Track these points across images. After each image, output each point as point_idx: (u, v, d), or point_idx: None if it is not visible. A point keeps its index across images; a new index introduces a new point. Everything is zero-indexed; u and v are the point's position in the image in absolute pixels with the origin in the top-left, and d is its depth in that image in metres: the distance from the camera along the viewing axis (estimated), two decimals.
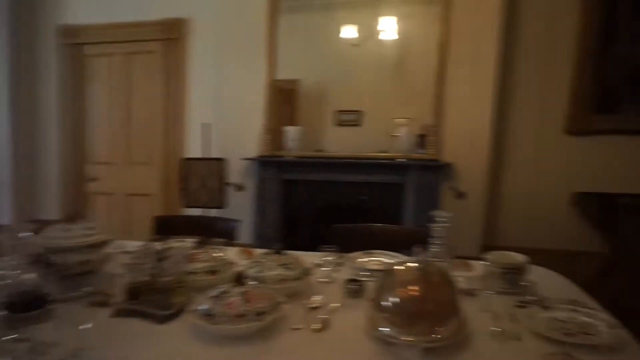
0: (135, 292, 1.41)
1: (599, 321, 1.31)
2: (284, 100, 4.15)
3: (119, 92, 4.57)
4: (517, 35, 3.73)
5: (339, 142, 4.02)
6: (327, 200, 3.95)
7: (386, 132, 3.84)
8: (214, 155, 3.97)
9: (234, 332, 1.22)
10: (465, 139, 3.65)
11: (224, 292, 1.27)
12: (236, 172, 4.08)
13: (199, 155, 3.97)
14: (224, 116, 4.11)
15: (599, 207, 3.26)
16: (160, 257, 1.46)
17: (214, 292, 1.29)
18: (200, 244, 1.71)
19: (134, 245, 1.90)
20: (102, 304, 1.45)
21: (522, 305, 1.46)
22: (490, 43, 3.57)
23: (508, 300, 1.50)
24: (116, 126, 4.61)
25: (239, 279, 1.29)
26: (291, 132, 3.81)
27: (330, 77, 4.04)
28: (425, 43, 3.70)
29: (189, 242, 1.92)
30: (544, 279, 1.72)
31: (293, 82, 4.12)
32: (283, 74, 4.05)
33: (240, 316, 1.22)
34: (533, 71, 3.73)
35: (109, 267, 1.81)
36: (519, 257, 1.65)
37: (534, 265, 1.81)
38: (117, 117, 4.60)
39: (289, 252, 1.67)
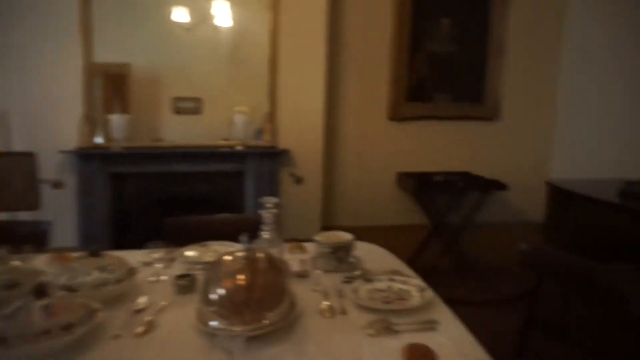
0: None
1: (412, 287, 1.46)
2: (112, 86, 3.76)
3: None
4: (342, 29, 3.97)
5: (179, 131, 3.81)
6: (164, 193, 3.72)
7: (226, 120, 3.78)
8: (19, 148, 3.37)
9: (34, 354, 1.04)
10: (300, 126, 3.78)
11: (20, 309, 1.07)
12: (52, 167, 3.55)
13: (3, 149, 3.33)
14: (31, 103, 3.51)
15: (417, 185, 3.68)
16: None
17: (7, 310, 1.08)
18: None
19: None
20: None
21: (349, 280, 1.56)
22: (318, 34, 3.73)
23: (337, 277, 1.59)
24: None
25: (41, 291, 1.11)
26: (117, 121, 3.46)
27: (164, 62, 3.80)
28: (258, 31, 3.70)
29: None
30: (369, 254, 1.86)
31: (122, 66, 3.75)
32: (108, 56, 3.65)
33: (43, 333, 1.05)
34: (359, 63, 4.02)
35: None
36: (345, 236, 1.75)
37: (361, 242, 1.95)
38: None
39: (110, 252, 1.51)
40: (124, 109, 3.69)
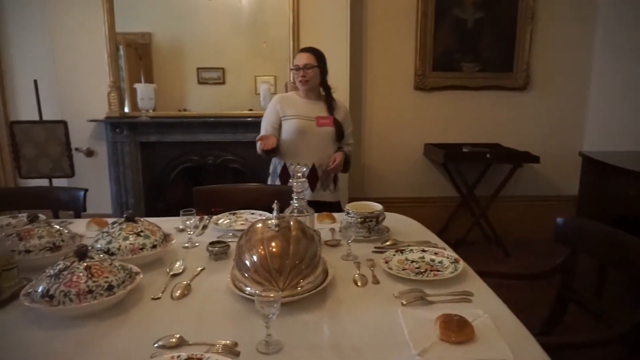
0: None
1: (444, 258, 1.45)
2: (137, 55, 3.77)
3: None
4: None
5: (203, 101, 3.82)
6: (192, 162, 3.75)
7: (250, 90, 3.77)
8: (55, 117, 3.44)
9: (79, 312, 1.09)
10: None
11: (64, 269, 1.11)
12: (84, 135, 3.62)
13: (35, 118, 3.40)
14: (62, 72, 3.55)
15: (445, 156, 3.62)
16: None
17: (51, 271, 1.12)
18: (35, 219, 1.48)
19: None
20: None
21: (380, 250, 1.56)
22: (340, 2, 3.60)
23: (367, 246, 1.59)
24: None
25: (82, 253, 1.14)
26: (143, 90, 3.47)
27: (187, 32, 3.77)
28: None
29: (20, 217, 1.66)
30: (399, 225, 1.86)
31: (145, 35, 3.75)
32: (131, 26, 3.65)
33: (86, 293, 1.09)
34: (383, 31, 3.89)
35: None
36: (376, 206, 1.75)
37: (390, 213, 1.94)
38: None
39: (145, 219, 1.54)
40: (148, 79, 3.72)
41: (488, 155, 3.64)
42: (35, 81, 3.35)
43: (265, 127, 2.55)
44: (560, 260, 1.64)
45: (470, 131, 4.07)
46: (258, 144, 2.38)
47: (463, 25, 3.93)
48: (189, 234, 1.65)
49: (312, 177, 2.46)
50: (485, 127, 4.09)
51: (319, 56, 2.50)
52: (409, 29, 3.90)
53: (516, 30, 3.94)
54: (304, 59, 2.45)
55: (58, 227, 1.49)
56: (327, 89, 2.57)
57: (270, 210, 1.30)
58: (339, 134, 2.54)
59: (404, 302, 1.18)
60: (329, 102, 2.55)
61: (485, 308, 1.13)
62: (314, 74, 2.47)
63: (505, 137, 4.05)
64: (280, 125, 2.52)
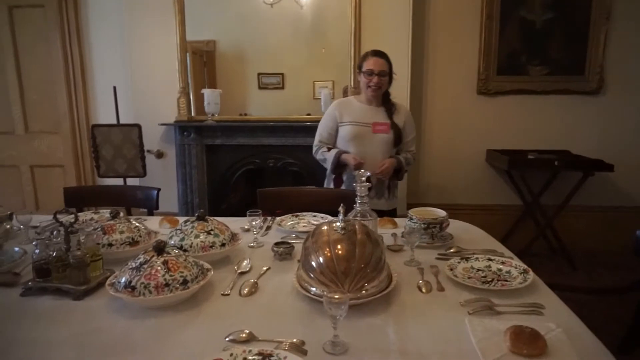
0: (44, 269, 1.29)
1: (512, 268, 1.41)
2: (202, 62, 3.95)
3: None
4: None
5: (264, 106, 3.93)
6: (254, 164, 3.86)
7: (308, 95, 3.83)
8: (129, 121, 3.68)
9: (158, 303, 1.16)
10: None
11: (144, 263, 1.19)
12: (155, 138, 3.84)
13: (113, 122, 3.66)
14: (137, 79, 3.80)
15: (509, 163, 3.49)
16: (70, 230, 1.34)
17: (133, 264, 1.21)
18: (117, 215, 1.59)
19: (41, 220, 1.75)
20: (9, 284, 1.32)
21: (443, 257, 1.54)
22: (403, 4, 3.58)
23: (430, 253, 1.57)
24: (3, 92, 4.04)
25: (160, 249, 1.22)
26: (209, 95, 3.63)
27: (248, 38, 3.90)
28: (340, 3, 3.64)
29: (104, 213, 1.78)
30: (463, 232, 1.82)
31: (209, 43, 3.92)
32: (198, 34, 3.82)
33: (164, 286, 1.16)
34: (446, 33, 3.83)
35: (12, 244, 1.66)
36: (439, 212, 1.73)
37: (454, 220, 1.91)
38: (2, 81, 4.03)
39: (214, 218, 1.61)
40: (212, 85, 3.87)
41: (556, 163, 3.47)
42: (115, 87, 3.60)
43: (321, 132, 2.55)
44: (635, 276, 1.53)
45: (537, 137, 3.90)
46: (355, 162, 2.34)
47: (530, 27, 3.78)
48: (254, 234, 1.71)
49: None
50: (552, 133, 3.91)
51: (390, 63, 2.44)
52: (472, 32, 3.81)
53: (589, 31, 3.74)
54: (380, 65, 2.38)
55: (136, 223, 1.59)
56: (387, 94, 2.52)
57: (332, 214, 1.32)
58: (397, 141, 2.47)
59: (471, 311, 1.15)
60: (389, 107, 2.50)
61: (558, 321, 1.08)
62: (386, 82, 2.43)
63: (574, 143, 3.85)
64: (337, 132, 2.50)
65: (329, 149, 2.50)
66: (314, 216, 1.98)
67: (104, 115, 3.98)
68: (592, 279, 3.37)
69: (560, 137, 3.89)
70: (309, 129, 3.69)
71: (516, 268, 1.40)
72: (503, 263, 1.44)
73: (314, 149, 2.57)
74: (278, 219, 1.96)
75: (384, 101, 2.51)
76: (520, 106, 3.90)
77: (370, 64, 2.40)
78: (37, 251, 1.29)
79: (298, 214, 2.01)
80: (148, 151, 3.69)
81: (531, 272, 1.35)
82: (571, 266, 3.60)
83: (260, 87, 3.92)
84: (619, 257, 3.46)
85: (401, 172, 2.52)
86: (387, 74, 2.40)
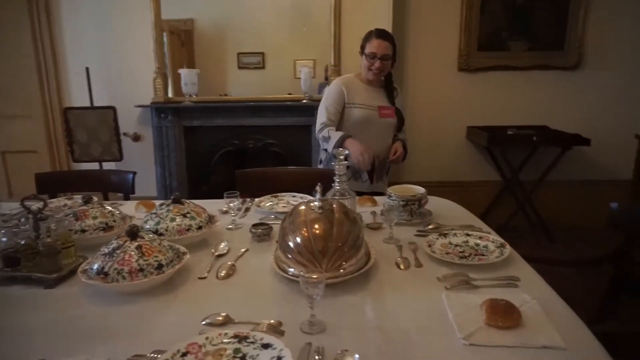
0: (13, 258, 1.25)
1: (490, 242, 1.42)
2: (180, 42, 3.85)
3: None
4: None
5: (244, 86, 3.88)
6: (234, 145, 3.82)
7: (289, 74, 3.79)
8: (104, 103, 3.58)
9: (132, 289, 1.14)
10: None
11: (117, 248, 1.16)
12: (132, 121, 3.76)
13: (86, 104, 3.55)
14: (111, 60, 3.69)
15: (489, 139, 3.51)
16: (39, 217, 1.30)
17: (106, 249, 1.18)
18: (89, 200, 1.55)
19: (12, 207, 1.69)
20: None
21: (422, 233, 1.54)
22: None
23: (409, 230, 1.57)
24: None
25: (133, 233, 1.19)
26: (186, 76, 3.55)
27: (227, 17, 3.82)
28: None
29: (77, 199, 1.74)
30: (442, 208, 1.83)
31: (187, 22, 3.81)
32: (175, 13, 3.72)
33: (138, 271, 1.13)
34: (427, 9, 3.78)
35: None
36: (418, 189, 1.73)
37: (433, 196, 1.91)
38: None
39: (191, 201, 1.58)
40: (190, 65, 3.79)
41: (534, 138, 3.50)
42: (87, 68, 3.49)
43: (327, 108, 2.32)
44: (615, 247, 1.56)
45: (516, 113, 3.93)
46: (356, 160, 2.13)
47: (512, 2, 3.76)
48: (233, 216, 1.69)
49: (371, 169, 2.31)
50: (532, 108, 3.93)
51: (395, 45, 2.29)
52: (453, 8, 3.78)
53: (569, 6, 3.74)
54: (383, 48, 2.24)
55: (110, 208, 1.56)
56: (390, 75, 2.40)
57: (312, 194, 1.31)
58: (400, 125, 2.41)
59: (448, 286, 1.16)
60: (390, 90, 2.40)
61: (533, 294, 1.10)
62: (388, 66, 2.30)
63: (553, 119, 3.89)
64: (344, 109, 2.34)
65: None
66: (294, 196, 1.97)
67: (78, 97, 3.85)
68: (570, 252, 3.45)
69: (539, 113, 3.92)
70: (290, 108, 3.65)
71: (493, 242, 1.41)
72: (480, 238, 1.45)
73: (319, 127, 2.33)
74: (257, 200, 1.93)
75: (387, 84, 2.41)
76: (501, 82, 3.91)
77: (373, 46, 2.25)
78: (4, 239, 1.25)
79: (277, 194, 1.99)
80: (124, 134, 3.61)
81: (508, 246, 1.36)
82: (550, 240, 3.67)
83: (240, 67, 3.86)
84: (596, 230, 3.53)
85: (406, 154, 2.46)
86: (390, 58, 2.27)
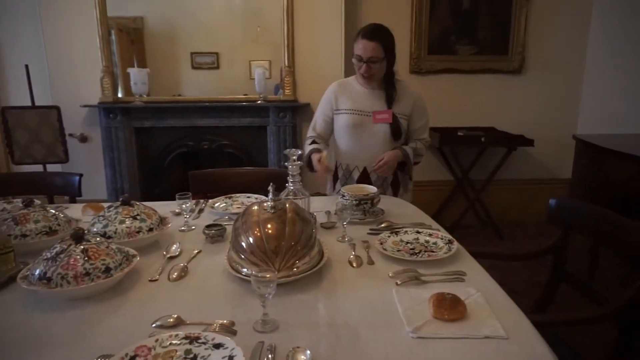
0: None
1: (439, 239, 1.47)
2: (129, 40, 3.73)
3: None
4: None
5: (198, 86, 3.80)
6: (188, 147, 3.75)
7: (244, 75, 3.75)
8: (46, 102, 3.40)
9: (77, 293, 1.10)
10: (321, 79, 3.68)
11: (61, 252, 1.12)
12: (78, 121, 3.60)
13: (27, 104, 3.37)
14: (53, 57, 3.51)
15: (440, 140, 3.62)
16: None
17: (48, 254, 1.13)
18: (30, 203, 1.48)
19: None
20: None
21: (375, 232, 1.57)
22: None
23: (362, 229, 1.60)
24: None
25: (79, 236, 1.15)
26: (136, 75, 3.44)
27: (179, 15, 3.73)
28: None
29: (15, 202, 1.65)
30: (394, 207, 1.88)
31: (136, 19, 3.71)
32: (122, 10, 3.60)
33: (84, 275, 1.09)
34: (378, 13, 3.84)
35: None
36: (371, 189, 1.76)
37: (385, 196, 1.96)
38: None
39: (141, 203, 1.54)
40: (141, 64, 3.68)
41: (483, 139, 3.65)
42: (27, 66, 3.31)
43: (315, 119, 2.24)
44: (553, 241, 1.66)
45: (466, 115, 4.07)
46: (314, 163, 2.02)
47: (458, 7, 3.90)
48: (185, 217, 1.66)
49: (364, 182, 2.04)
50: (480, 110, 4.09)
51: (387, 45, 2.05)
52: (404, 11, 3.87)
53: (512, 11, 3.92)
54: (369, 50, 2.00)
55: (54, 211, 1.49)
56: (390, 75, 2.13)
57: (267, 194, 1.31)
58: (395, 132, 2.10)
59: (399, 282, 1.19)
60: (390, 93, 2.12)
61: (478, 287, 1.15)
62: (380, 68, 2.05)
63: (500, 120, 4.06)
64: (332, 119, 2.20)
65: (316, 143, 2.18)
66: (248, 197, 1.96)
67: (17, 97, 3.65)
68: (517, 247, 3.62)
69: (487, 115, 4.09)
70: (245, 109, 3.62)
71: (442, 239, 1.46)
72: (430, 235, 1.50)
73: (306, 140, 2.24)
74: (210, 201, 1.91)
75: (387, 86, 2.13)
76: (451, 85, 4.04)
77: (359, 48, 2.03)
78: None
79: (231, 195, 1.97)
80: (70, 135, 3.46)
81: (455, 242, 1.41)
82: (498, 236, 3.83)
83: (194, 67, 3.79)
84: (540, 226, 3.72)
85: (407, 165, 2.15)
86: (379, 60, 2.02)
